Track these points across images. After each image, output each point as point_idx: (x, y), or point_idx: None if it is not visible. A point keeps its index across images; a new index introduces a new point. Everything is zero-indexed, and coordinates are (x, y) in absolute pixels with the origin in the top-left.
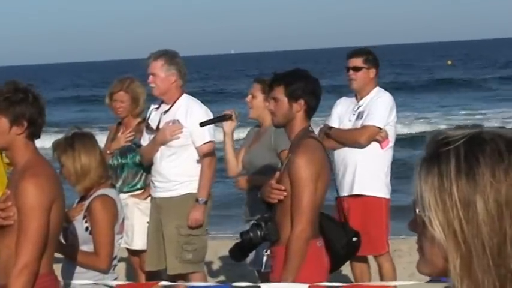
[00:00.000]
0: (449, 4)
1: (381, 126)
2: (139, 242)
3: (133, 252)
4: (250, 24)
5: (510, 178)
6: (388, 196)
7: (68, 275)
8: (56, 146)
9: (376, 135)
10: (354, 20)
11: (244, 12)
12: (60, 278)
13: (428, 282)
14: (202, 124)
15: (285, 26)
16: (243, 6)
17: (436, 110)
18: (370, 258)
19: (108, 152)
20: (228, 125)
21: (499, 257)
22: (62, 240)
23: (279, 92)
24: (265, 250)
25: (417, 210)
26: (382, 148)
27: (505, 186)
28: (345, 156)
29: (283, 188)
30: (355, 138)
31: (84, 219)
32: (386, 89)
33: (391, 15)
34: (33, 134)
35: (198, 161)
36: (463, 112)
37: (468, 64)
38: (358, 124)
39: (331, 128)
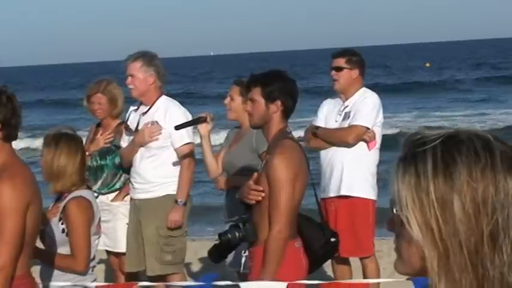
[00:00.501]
0: (430, 5)
1: (369, 126)
2: (122, 244)
3: (113, 254)
4: (230, 26)
5: (487, 178)
6: (374, 197)
7: (47, 277)
8: (45, 137)
9: (363, 135)
10: (338, 21)
11: (225, 14)
12: (38, 280)
13: (408, 279)
14: (177, 128)
15: (265, 27)
16: (223, 8)
17: (408, 111)
18: (353, 259)
19: (87, 153)
20: (203, 128)
21: (477, 256)
22: (40, 243)
23: (256, 93)
24: (243, 251)
25: (395, 210)
26: (369, 149)
27: (481, 186)
28: (332, 156)
29: (261, 188)
30: (343, 137)
31: (60, 221)
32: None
33: (376, 16)
34: (8, 135)
35: (177, 163)
36: (437, 114)
37: (443, 65)
38: (345, 125)
39: (318, 127)
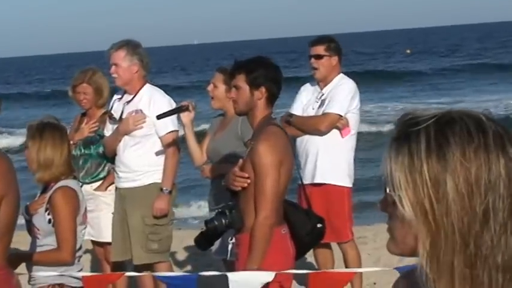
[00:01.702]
0: None
1: (342, 114)
2: (106, 234)
3: (98, 244)
4: (214, 14)
5: (480, 158)
6: (349, 185)
7: (32, 267)
8: (28, 128)
9: (336, 122)
10: (322, 8)
11: (208, 2)
12: (25, 271)
13: (395, 268)
14: (158, 117)
15: (250, 14)
16: None
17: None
18: (334, 245)
19: (71, 142)
20: (185, 116)
21: (469, 236)
22: (26, 237)
23: (240, 80)
24: (230, 238)
25: (387, 190)
26: (342, 136)
27: (475, 166)
28: (306, 144)
29: (246, 175)
30: (316, 125)
31: (47, 212)
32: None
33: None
34: None
35: (162, 151)
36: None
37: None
38: (320, 112)
39: (292, 115)
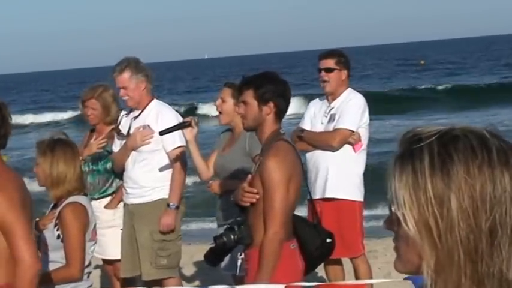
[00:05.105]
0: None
1: (353, 129)
2: (111, 251)
3: (107, 260)
4: (225, 28)
5: (484, 174)
6: (361, 199)
7: (42, 283)
8: (38, 145)
9: (348, 138)
10: (335, 22)
11: (219, 17)
12: None
13: (406, 279)
14: (162, 133)
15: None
16: (217, 11)
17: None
18: (345, 260)
19: (80, 158)
20: (188, 132)
21: (476, 253)
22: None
23: (249, 95)
24: (239, 254)
25: (393, 209)
26: (354, 151)
27: (479, 182)
28: (317, 159)
29: (255, 190)
30: (328, 141)
31: (56, 227)
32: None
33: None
34: None
35: (169, 166)
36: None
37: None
38: (330, 127)
39: (303, 130)
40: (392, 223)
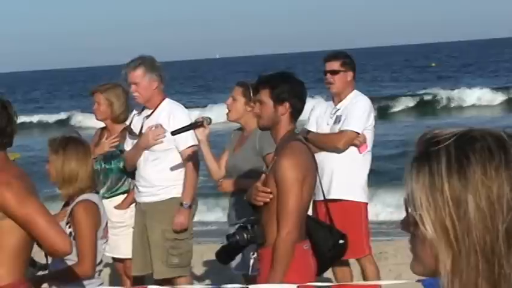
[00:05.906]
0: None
1: (359, 131)
2: (122, 250)
3: (117, 258)
4: (236, 29)
5: (501, 176)
6: (366, 200)
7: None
8: (51, 142)
9: (354, 140)
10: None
11: (230, 17)
12: (46, 286)
13: (418, 281)
14: (173, 133)
15: (272, 29)
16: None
17: None
18: (353, 261)
19: (92, 156)
20: (200, 132)
21: (493, 255)
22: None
23: (265, 95)
24: (252, 253)
25: (409, 210)
26: (360, 153)
27: (496, 184)
28: (322, 160)
29: (269, 190)
30: (333, 143)
31: (68, 225)
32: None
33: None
34: (3, 143)
35: (182, 165)
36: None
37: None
38: (336, 128)
39: (309, 131)
40: (409, 224)
